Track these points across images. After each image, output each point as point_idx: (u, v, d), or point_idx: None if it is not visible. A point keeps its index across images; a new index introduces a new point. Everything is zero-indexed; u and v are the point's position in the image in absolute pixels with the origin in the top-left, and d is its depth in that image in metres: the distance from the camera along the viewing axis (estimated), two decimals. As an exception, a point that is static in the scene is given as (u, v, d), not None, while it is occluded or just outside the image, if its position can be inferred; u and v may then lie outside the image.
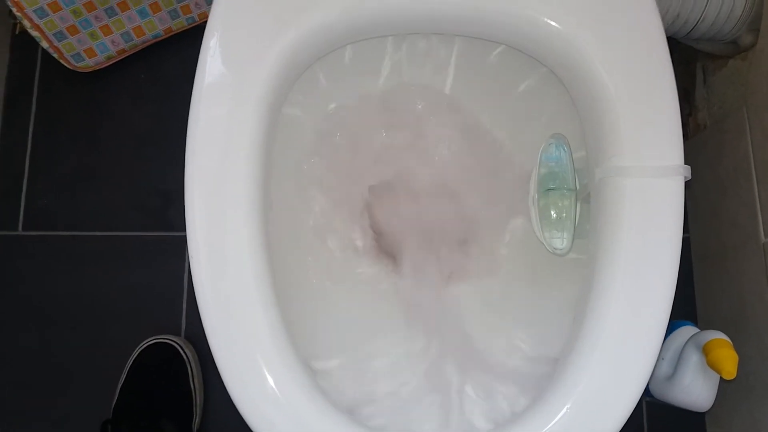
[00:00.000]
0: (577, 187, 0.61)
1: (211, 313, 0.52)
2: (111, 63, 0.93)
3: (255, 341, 0.52)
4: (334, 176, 0.68)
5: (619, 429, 0.52)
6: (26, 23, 0.82)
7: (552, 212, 0.60)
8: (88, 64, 0.91)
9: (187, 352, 0.83)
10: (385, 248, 0.68)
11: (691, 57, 0.90)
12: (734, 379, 0.67)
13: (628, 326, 0.53)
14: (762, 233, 0.72)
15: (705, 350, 0.65)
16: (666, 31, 0.57)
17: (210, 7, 0.57)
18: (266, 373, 0.52)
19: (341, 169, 0.68)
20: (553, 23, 0.56)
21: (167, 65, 0.95)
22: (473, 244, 0.68)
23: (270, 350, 0.52)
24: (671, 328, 0.77)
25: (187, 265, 0.89)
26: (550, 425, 0.50)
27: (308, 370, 0.54)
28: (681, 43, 0.87)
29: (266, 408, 0.51)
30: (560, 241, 0.60)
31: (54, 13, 0.82)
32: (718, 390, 0.70)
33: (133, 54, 0.94)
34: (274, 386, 0.51)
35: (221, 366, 0.52)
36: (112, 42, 0.90)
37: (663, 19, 0.65)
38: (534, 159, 0.62)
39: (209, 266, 0.53)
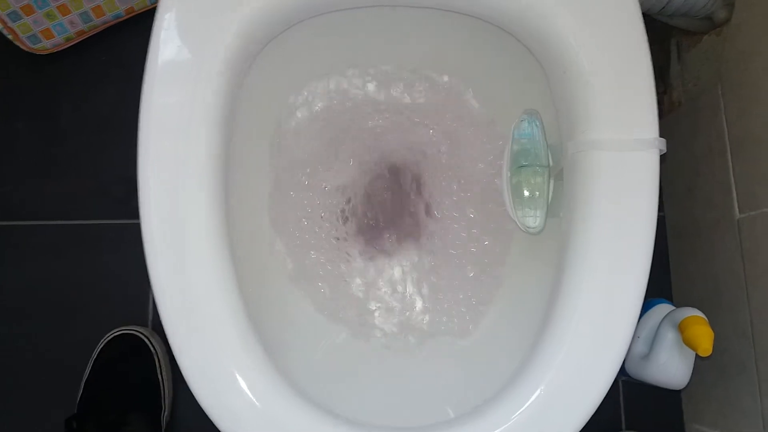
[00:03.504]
0: (551, 164, 0.59)
1: (170, 311, 0.50)
2: (70, 45, 0.89)
3: (220, 340, 0.50)
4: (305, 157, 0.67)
5: (595, 409, 0.51)
6: (-24, 2, 0.78)
7: (525, 190, 0.59)
8: (45, 46, 0.87)
9: (154, 343, 0.81)
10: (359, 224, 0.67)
11: (665, 34, 0.89)
12: (709, 357, 0.66)
13: (603, 304, 0.52)
14: (736, 210, 0.72)
15: (681, 327, 0.65)
16: (640, 6, 0.56)
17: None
18: (236, 373, 0.49)
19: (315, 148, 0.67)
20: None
21: (129, 47, 0.91)
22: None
23: (236, 347, 0.50)
24: (647, 306, 0.76)
25: (153, 253, 0.87)
26: (522, 408, 0.49)
27: (276, 365, 0.52)
28: (655, 21, 0.86)
29: (235, 409, 0.49)
30: (533, 219, 0.59)
31: (6, -9, 0.78)
32: (694, 368, 0.70)
33: (94, 35, 0.90)
34: (244, 386, 0.49)
35: (184, 368, 0.49)
36: (71, 22, 0.86)
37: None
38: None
39: (166, 262, 0.50)
